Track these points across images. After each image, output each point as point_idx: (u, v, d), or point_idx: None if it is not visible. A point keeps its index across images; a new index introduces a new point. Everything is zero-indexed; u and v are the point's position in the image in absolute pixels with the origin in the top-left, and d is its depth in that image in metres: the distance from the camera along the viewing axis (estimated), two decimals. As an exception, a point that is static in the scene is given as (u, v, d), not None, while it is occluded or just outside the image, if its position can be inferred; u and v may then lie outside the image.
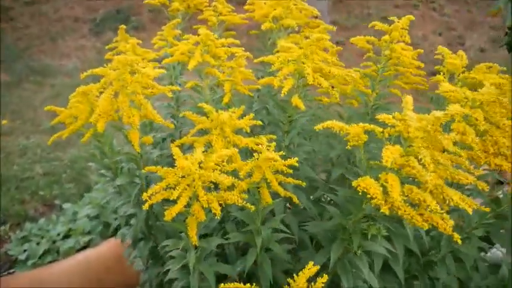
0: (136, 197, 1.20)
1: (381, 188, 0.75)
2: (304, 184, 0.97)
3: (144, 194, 0.83)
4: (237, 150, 1.02)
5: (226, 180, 0.82)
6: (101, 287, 2.00)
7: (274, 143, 0.97)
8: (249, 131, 1.00)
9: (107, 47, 1.58)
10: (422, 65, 1.20)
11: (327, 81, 1.05)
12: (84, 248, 2.22)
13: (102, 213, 2.30)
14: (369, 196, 0.74)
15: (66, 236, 2.30)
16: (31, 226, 2.43)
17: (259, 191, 0.94)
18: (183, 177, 0.83)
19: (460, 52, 1.35)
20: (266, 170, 0.87)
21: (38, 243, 2.26)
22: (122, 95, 0.93)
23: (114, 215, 2.16)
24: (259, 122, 1.03)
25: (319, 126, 0.82)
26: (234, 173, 0.95)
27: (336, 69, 1.05)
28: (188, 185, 0.84)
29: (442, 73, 1.30)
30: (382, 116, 0.81)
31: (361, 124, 0.82)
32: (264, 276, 1.05)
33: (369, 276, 0.98)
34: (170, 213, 0.83)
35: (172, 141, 1.58)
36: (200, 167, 0.85)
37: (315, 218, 1.18)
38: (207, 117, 1.19)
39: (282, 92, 1.00)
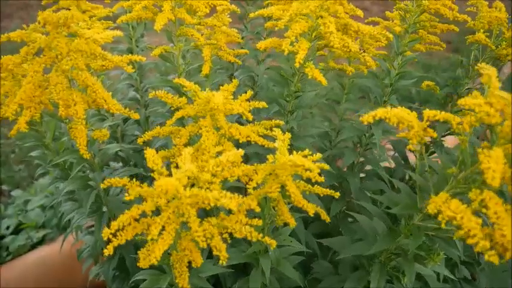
0: (92, 207, 0.89)
1: (478, 219, 0.47)
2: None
3: (105, 230, 0.53)
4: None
5: (232, 203, 0.51)
6: (60, 286, 1.71)
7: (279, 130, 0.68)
8: (251, 118, 0.70)
9: (43, 2, 1.20)
10: (469, 19, 0.92)
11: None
12: (38, 244, 1.89)
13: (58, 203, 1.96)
14: (461, 232, 0.46)
15: (17, 231, 1.96)
16: (-26, 219, 2.07)
17: (272, 206, 0.65)
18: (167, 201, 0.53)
19: (498, 3, 1.07)
20: (288, 182, 0.58)
21: (-19, 242, 1.91)
22: (56, 72, 0.60)
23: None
24: (264, 104, 0.73)
25: (367, 118, 0.53)
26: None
27: (365, 26, 0.75)
28: (174, 211, 0.54)
29: (479, 30, 1.02)
30: (464, 100, 0.52)
31: (429, 112, 0.54)
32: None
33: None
34: (148, 260, 0.53)
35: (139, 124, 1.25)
36: (192, 183, 0.55)
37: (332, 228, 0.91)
38: (184, 95, 0.87)
39: (297, 59, 0.69)
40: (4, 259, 1.84)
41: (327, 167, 0.60)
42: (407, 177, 1.30)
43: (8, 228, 1.99)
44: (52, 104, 0.66)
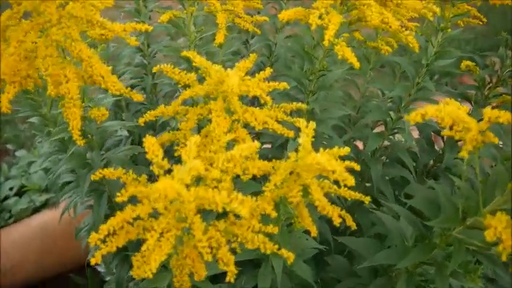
0: (91, 186, 0.82)
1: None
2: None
3: (93, 235, 0.45)
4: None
5: (244, 208, 0.43)
6: (60, 253, 1.67)
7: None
8: (270, 102, 0.60)
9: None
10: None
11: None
12: (40, 208, 1.85)
13: (62, 167, 1.91)
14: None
15: (19, 194, 1.92)
16: (-23, 178, 2.03)
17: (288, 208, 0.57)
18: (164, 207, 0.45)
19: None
20: (313, 186, 0.49)
21: (-16, 203, 1.88)
22: (44, 42, 0.51)
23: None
24: (285, 85, 0.63)
25: (415, 117, 0.43)
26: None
27: (408, -1, 0.64)
28: (175, 215, 0.46)
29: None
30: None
31: (491, 112, 0.44)
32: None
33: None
34: (142, 270, 0.46)
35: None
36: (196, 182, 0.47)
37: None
38: (194, 68, 0.78)
39: (326, 36, 0.59)
40: (6, 222, 1.81)
41: (357, 167, 0.51)
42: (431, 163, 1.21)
43: (11, 189, 1.96)
44: (42, 77, 0.57)
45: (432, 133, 1.18)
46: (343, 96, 1.06)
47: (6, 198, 1.93)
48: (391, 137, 1.10)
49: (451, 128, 0.48)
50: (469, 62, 0.99)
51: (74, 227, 1.53)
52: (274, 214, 0.49)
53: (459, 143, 1.13)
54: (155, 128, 1.23)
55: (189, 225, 0.45)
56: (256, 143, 0.50)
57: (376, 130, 1.10)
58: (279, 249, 0.48)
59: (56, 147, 0.95)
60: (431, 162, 1.21)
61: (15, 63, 0.50)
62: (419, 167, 1.18)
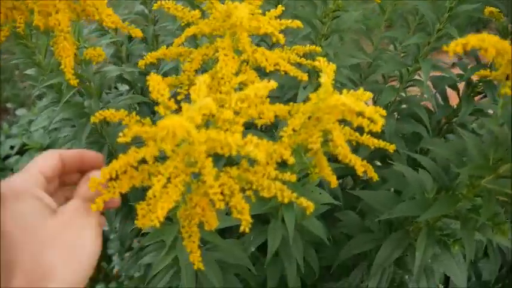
0: (90, 138, 0.77)
1: None
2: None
3: (93, 179, 0.41)
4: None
5: (260, 152, 0.38)
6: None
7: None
8: (283, 40, 0.55)
9: None
10: None
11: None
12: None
13: (63, 125, 1.86)
14: None
15: (21, 152, 1.89)
16: (-22, 137, 2.00)
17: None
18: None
19: None
20: (335, 130, 0.44)
21: (-14, 162, 1.85)
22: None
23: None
24: (298, 23, 0.57)
25: (454, 46, 0.38)
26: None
27: None
28: (183, 159, 0.42)
29: None
30: None
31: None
32: (291, 270, 0.69)
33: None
34: (147, 219, 0.42)
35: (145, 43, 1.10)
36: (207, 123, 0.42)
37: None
38: (198, 8, 0.72)
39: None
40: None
41: (384, 112, 0.46)
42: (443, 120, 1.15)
43: (12, 148, 1.92)
44: (30, 11, 0.51)
45: (447, 87, 1.12)
46: (352, 45, 1.00)
47: (7, 157, 1.90)
48: (402, 94, 1.04)
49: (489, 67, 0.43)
50: (493, 8, 0.91)
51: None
52: (292, 160, 0.44)
53: (476, 98, 1.08)
54: (157, 81, 1.18)
55: (199, 170, 0.40)
56: (273, 82, 0.45)
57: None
58: (297, 197, 0.44)
59: (52, 98, 0.90)
60: (444, 119, 1.15)
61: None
62: (433, 124, 1.13)
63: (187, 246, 0.46)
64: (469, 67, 1.00)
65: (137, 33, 0.55)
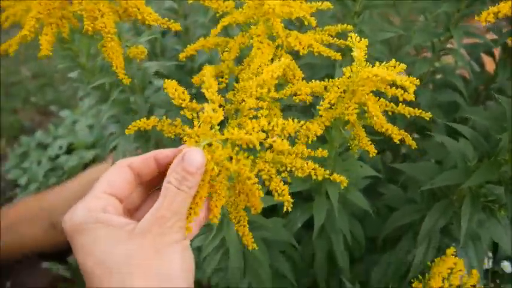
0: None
1: None
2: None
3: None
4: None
5: (283, 145, 0.39)
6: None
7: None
8: (314, 23, 0.56)
9: None
10: None
11: None
12: (90, 164, 1.92)
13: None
14: None
15: (68, 151, 1.99)
16: (28, 140, 2.11)
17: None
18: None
19: None
20: (369, 101, 0.46)
21: (38, 163, 1.96)
22: (75, -25, 0.49)
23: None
24: (328, 4, 0.59)
25: (486, 16, 0.38)
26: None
27: None
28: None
29: None
30: None
31: None
32: (338, 243, 0.72)
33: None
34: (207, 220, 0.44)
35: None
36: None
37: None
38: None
39: None
40: (60, 178, 1.89)
41: (417, 81, 0.47)
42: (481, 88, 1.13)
43: (60, 148, 2.03)
44: (78, 17, 0.55)
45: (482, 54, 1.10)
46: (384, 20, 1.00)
47: (57, 156, 2.01)
48: (436, 64, 1.03)
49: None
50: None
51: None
52: (320, 131, 0.45)
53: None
54: (192, 73, 1.22)
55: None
56: (285, 59, 0.45)
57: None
58: (330, 174, 0.46)
59: (97, 98, 0.95)
60: (482, 86, 1.13)
61: (48, 2, 0.49)
62: (470, 92, 1.11)
63: (239, 231, 0.49)
64: (504, 31, 0.98)
65: (176, 27, 0.58)
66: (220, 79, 0.59)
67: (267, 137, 0.40)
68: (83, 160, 1.91)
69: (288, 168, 0.46)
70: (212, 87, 0.42)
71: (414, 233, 0.73)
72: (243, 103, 0.44)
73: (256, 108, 0.45)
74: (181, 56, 0.61)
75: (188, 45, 0.62)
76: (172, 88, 0.44)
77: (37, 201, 1.75)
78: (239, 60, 0.61)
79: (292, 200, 0.44)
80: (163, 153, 0.42)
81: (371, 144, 0.51)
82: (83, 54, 0.84)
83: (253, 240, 0.50)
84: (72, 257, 1.61)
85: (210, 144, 0.40)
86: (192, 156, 0.37)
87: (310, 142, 0.47)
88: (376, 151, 0.51)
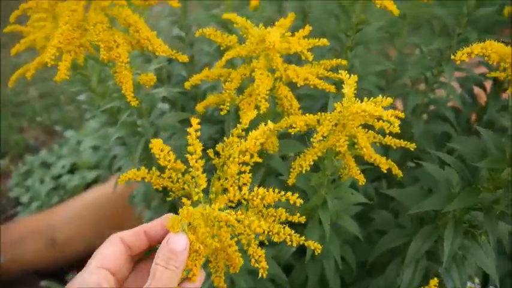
0: (143, 154, 0.86)
1: None
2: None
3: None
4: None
5: (260, 227, 0.42)
6: (114, 223, 1.76)
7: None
8: (311, 58, 0.61)
9: None
10: None
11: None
12: (92, 184, 1.95)
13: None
14: None
15: (71, 171, 2.03)
16: (32, 159, 2.16)
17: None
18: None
19: None
20: (359, 134, 0.50)
21: (41, 182, 1.99)
22: (94, 10, 0.54)
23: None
24: (324, 41, 0.64)
25: (460, 56, 0.43)
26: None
27: None
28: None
29: None
30: None
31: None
32: (330, 267, 0.75)
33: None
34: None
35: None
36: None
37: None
38: (233, 32, 0.79)
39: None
40: (62, 197, 1.92)
41: (402, 115, 0.52)
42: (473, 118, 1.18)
43: (63, 167, 2.06)
44: (94, 46, 0.61)
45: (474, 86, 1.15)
46: (377, 53, 1.05)
47: (60, 176, 2.04)
48: (431, 95, 1.08)
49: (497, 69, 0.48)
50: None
51: (126, 198, 1.60)
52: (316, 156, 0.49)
53: (503, 95, 1.10)
54: (196, 99, 1.27)
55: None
56: (270, 125, 0.45)
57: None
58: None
59: (105, 120, 1.00)
60: (473, 118, 1.18)
61: (69, 32, 0.54)
62: (462, 123, 1.16)
63: (214, 281, 0.48)
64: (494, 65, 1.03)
65: (183, 58, 0.63)
66: (221, 106, 0.63)
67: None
68: (85, 180, 1.95)
69: (265, 233, 0.45)
70: (197, 152, 0.44)
71: (403, 257, 0.76)
72: (226, 167, 0.45)
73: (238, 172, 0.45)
74: (187, 84, 0.65)
75: (193, 75, 0.67)
76: (158, 149, 0.44)
77: (40, 219, 1.78)
78: (240, 90, 0.66)
79: (267, 267, 0.45)
80: (152, 224, 0.44)
81: (360, 173, 0.55)
82: (94, 79, 0.89)
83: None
84: (70, 276, 1.63)
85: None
86: (177, 241, 0.40)
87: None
88: (365, 180, 0.54)
